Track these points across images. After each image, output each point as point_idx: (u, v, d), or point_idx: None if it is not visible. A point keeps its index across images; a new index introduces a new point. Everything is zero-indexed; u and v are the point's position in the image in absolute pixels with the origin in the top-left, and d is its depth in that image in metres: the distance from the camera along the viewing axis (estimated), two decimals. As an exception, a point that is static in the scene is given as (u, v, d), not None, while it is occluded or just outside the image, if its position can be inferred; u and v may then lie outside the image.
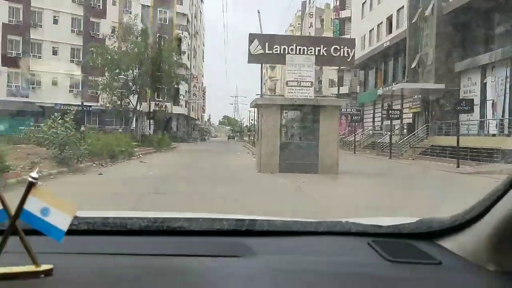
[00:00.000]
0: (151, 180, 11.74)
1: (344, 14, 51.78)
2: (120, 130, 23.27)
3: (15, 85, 39.59)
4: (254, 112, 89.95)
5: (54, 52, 40.73)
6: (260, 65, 26.29)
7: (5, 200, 0.82)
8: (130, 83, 29.72)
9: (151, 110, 40.94)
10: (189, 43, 54.47)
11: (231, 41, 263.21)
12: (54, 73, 40.25)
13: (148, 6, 45.45)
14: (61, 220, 0.84)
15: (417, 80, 30.00)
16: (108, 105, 30.53)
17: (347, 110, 46.76)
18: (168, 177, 12.53)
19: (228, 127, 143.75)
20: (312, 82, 13.98)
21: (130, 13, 37.17)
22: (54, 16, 41.43)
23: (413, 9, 30.26)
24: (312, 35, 66.59)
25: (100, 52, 28.54)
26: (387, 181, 13.69)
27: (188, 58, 54.85)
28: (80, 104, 45.75)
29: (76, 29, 41.98)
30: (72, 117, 14.45)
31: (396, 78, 35.57)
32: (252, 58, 14.15)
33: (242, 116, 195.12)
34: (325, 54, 13.80)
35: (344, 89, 52.57)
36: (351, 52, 13.83)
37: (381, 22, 38.07)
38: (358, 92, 47.69)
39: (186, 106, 54.23)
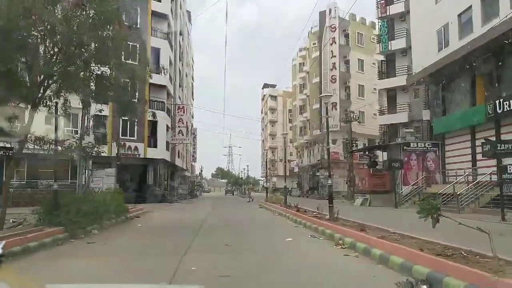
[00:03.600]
0: None
1: (393, 9, 35.91)
2: None
3: None
4: (265, 160, 70.80)
5: None
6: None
7: None
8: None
9: (116, 154, 24.22)
10: (172, 59, 37.90)
11: (227, 92, 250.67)
12: None
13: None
14: None
15: None
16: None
17: (417, 145, 30.06)
18: None
19: (224, 180, 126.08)
20: None
21: None
22: None
23: None
24: (336, 54, 51.12)
25: None
26: None
27: (170, 81, 38.18)
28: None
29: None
30: None
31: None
32: None
33: (239, 167, 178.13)
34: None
35: (398, 117, 35.99)
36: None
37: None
38: (424, 119, 31.47)
39: (168, 149, 36.76)
